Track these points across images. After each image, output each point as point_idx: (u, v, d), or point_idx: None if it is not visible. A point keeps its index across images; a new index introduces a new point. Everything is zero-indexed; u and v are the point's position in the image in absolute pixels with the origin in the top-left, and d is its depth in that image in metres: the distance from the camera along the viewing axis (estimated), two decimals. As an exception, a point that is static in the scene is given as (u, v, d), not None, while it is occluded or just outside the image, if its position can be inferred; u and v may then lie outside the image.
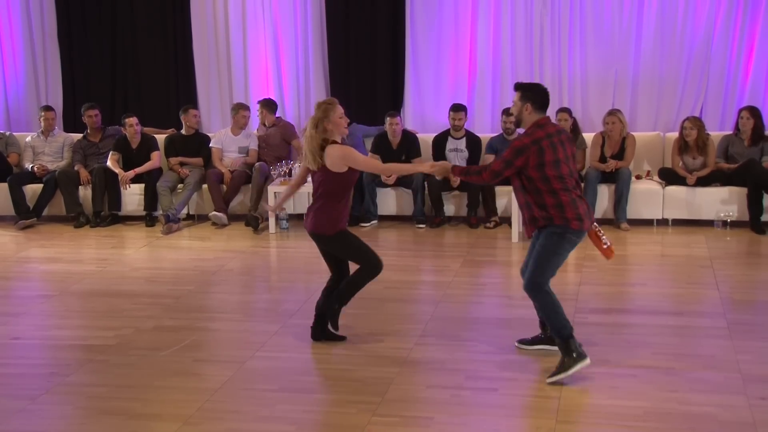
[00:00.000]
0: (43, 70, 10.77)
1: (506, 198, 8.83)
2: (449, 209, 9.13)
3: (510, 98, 9.70)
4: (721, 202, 8.61)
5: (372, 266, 5.33)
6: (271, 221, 8.91)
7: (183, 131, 9.70)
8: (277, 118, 9.68)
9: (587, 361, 4.78)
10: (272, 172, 9.10)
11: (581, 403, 4.57)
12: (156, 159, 9.53)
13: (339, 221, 5.31)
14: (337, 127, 5.26)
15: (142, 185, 9.35)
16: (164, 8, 10.42)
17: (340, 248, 5.40)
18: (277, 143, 9.51)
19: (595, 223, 5.20)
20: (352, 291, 5.43)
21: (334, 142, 5.24)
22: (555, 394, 4.63)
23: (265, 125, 9.61)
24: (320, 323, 5.52)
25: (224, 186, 9.26)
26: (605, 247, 5.20)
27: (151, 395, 4.78)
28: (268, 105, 9.59)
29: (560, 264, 5.00)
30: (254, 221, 8.94)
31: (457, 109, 9.14)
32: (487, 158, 9.12)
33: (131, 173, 9.33)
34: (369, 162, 5.97)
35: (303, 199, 9.43)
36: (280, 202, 6.30)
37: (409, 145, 9.25)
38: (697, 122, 8.78)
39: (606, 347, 5.31)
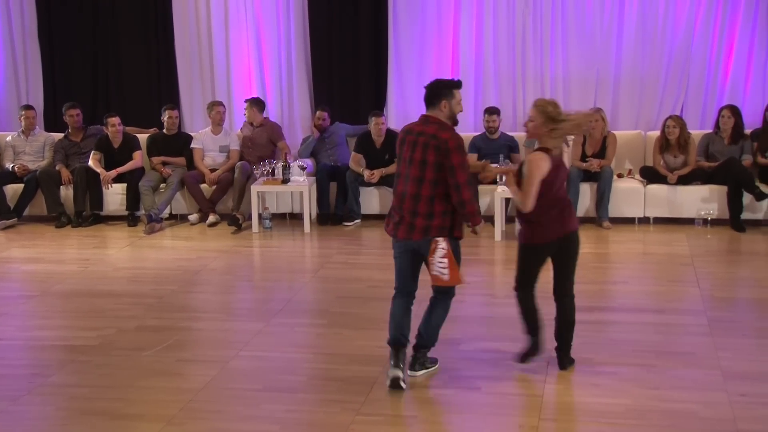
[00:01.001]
0: (23, 69, 10.69)
1: (488, 197, 8.85)
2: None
3: (493, 97, 9.78)
4: (702, 200, 8.67)
5: None
6: (255, 221, 8.90)
7: (165, 131, 9.66)
8: (265, 118, 9.67)
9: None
10: (255, 172, 9.09)
11: (564, 400, 4.59)
12: (138, 159, 9.49)
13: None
14: None
15: (124, 185, 9.30)
16: (146, 7, 10.36)
17: None
18: (264, 143, 9.49)
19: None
20: None
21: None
22: (538, 392, 4.65)
23: (252, 124, 9.58)
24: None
25: (205, 185, 9.25)
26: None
27: (133, 395, 4.76)
28: (257, 103, 9.57)
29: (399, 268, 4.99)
30: (235, 221, 8.92)
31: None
32: (470, 157, 9.12)
33: (113, 173, 9.29)
34: None
35: (286, 198, 9.43)
36: None
37: (392, 145, 9.25)
38: (679, 121, 8.83)
39: (588, 345, 5.34)
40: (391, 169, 9.16)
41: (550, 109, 4.81)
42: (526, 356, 5.04)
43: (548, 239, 4.86)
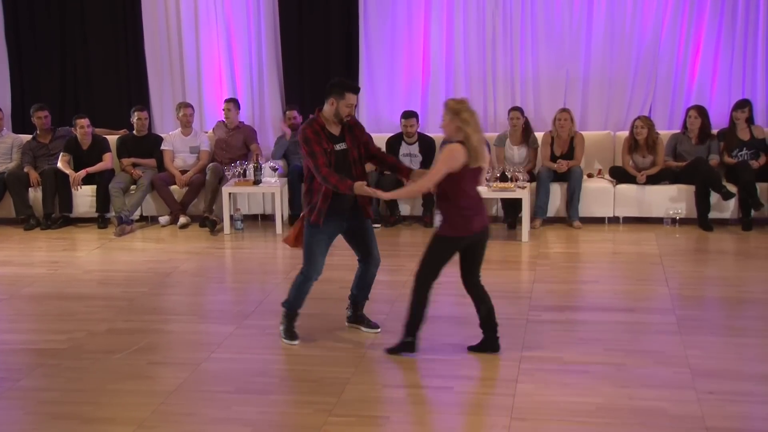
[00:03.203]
0: (-10, 69, 10.59)
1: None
2: (404, 209, 9.17)
3: (466, 97, 9.80)
4: (670, 199, 8.77)
5: None
6: (226, 222, 8.87)
7: (135, 132, 9.60)
8: (240, 121, 9.64)
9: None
10: (227, 173, 9.06)
11: (535, 400, 4.63)
12: (108, 160, 9.42)
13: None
14: None
15: (94, 186, 9.23)
16: (115, 7, 10.29)
17: None
18: (239, 146, 9.47)
19: None
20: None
21: None
22: (509, 392, 4.68)
23: (227, 126, 9.54)
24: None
25: (176, 187, 9.21)
26: None
27: (104, 399, 4.73)
28: (236, 104, 9.56)
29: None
30: (212, 224, 8.88)
31: (408, 116, 9.16)
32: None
33: (82, 173, 9.21)
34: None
35: (258, 199, 9.41)
36: None
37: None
38: (647, 121, 8.92)
39: (559, 344, 5.39)
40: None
41: (452, 104, 5.02)
42: (397, 350, 5.21)
43: (471, 231, 5.01)
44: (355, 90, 5.32)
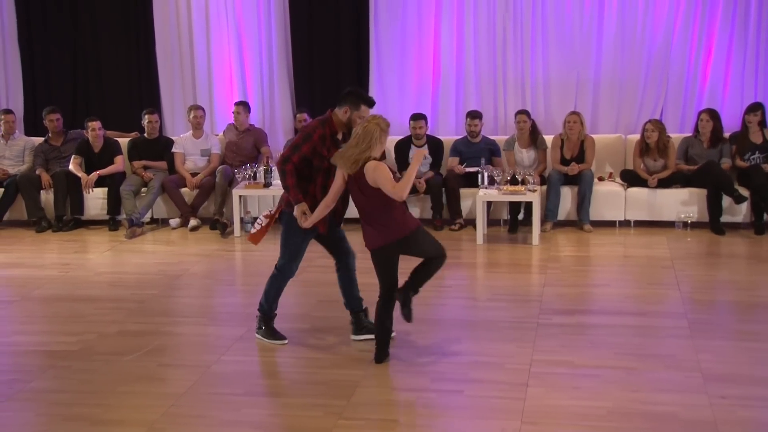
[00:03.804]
0: (3, 73, 10.63)
1: (470, 200, 8.88)
2: (414, 212, 9.15)
3: (474, 101, 9.80)
4: (682, 203, 8.73)
5: None
6: (236, 225, 8.88)
7: (146, 135, 9.62)
8: (251, 124, 9.66)
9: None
10: (237, 176, 9.07)
11: (545, 404, 4.61)
12: (120, 163, 9.45)
13: None
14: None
15: (105, 189, 9.26)
16: (127, 10, 10.33)
17: None
18: (249, 148, 9.48)
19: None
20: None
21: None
22: (520, 396, 4.67)
23: (237, 129, 9.56)
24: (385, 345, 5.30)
25: (187, 190, 9.23)
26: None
27: (114, 401, 4.74)
28: (246, 107, 9.58)
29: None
30: (222, 226, 8.89)
31: (417, 118, 9.16)
32: (451, 161, 9.17)
33: (94, 176, 9.24)
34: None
35: (268, 202, 9.41)
36: None
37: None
38: (658, 125, 8.89)
39: (569, 348, 5.37)
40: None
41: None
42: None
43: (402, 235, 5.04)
44: (371, 104, 5.34)
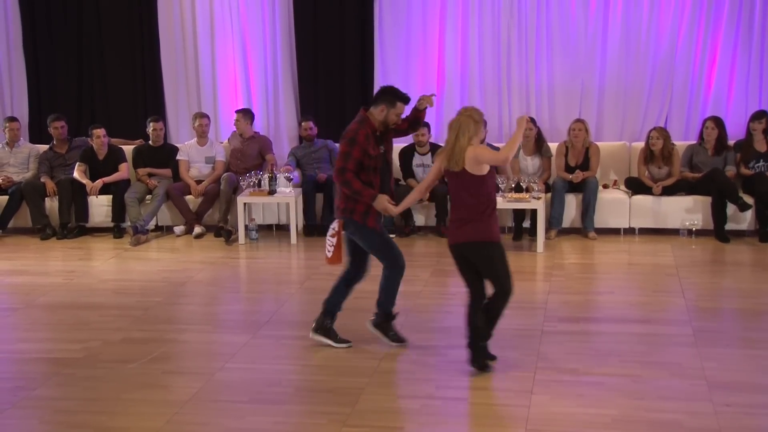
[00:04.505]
0: (8, 80, 10.65)
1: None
2: (418, 219, 9.16)
3: (478, 107, 9.77)
4: (686, 211, 8.72)
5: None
6: (241, 232, 8.88)
7: (151, 142, 9.64)
8: (255, 132, 9.67)
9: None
10: (241, 183, 9.08)
11: (550, 411, 4.60)
12: (124, 170, 9.47)
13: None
14: None
15: (110, 196, 9.27)
16: (131, 18, 10.35)
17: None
18: (254, 156, 9.50)
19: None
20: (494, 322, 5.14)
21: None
22: (524, 403, 4.66)
23: (241, 136, 9.57)
24: (478, 347, 5.14)
25: (191, 197, 9.25)
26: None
27: (119, 408, 4.74)
28: (248, 114, 9.58)
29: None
30: (226, 234, 8.90)
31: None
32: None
33: (99, 183, 9.26)
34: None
35: (273, 209, 9.43)
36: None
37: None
38: (663, 132, 8.89)
39: (574, 355, 5.36)
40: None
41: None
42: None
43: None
44: (406, 100, 5.41)
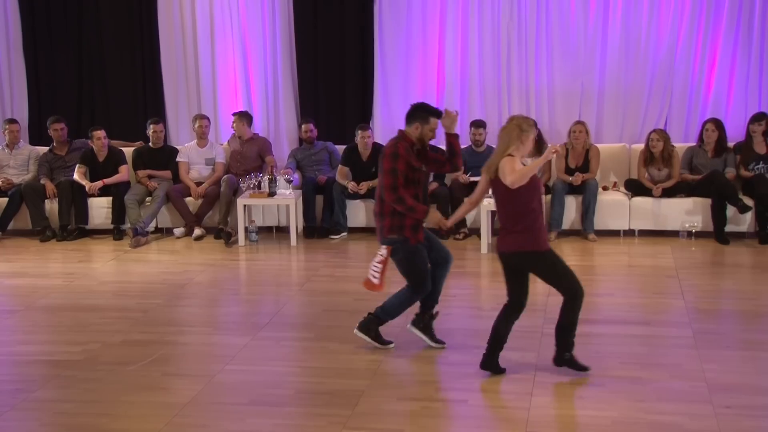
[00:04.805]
0: (8, 82, 10.66)
1: (475, 210, 8.84)
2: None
3: (478, 110, 9.82)
4: (686, 212, 8.72)
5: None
6: (241, 234, 8.88)
7: (151, 144, 9.65)
8: (255, 133, 9.67)
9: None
10: (241, 185, 9.08)
11: (550, 413, 4.60)
12: (124, 172, 9.47)
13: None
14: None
15: (110, 198, 9.27)
16: (131, 20, 10.36)
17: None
18: (254, 158, 9.50)
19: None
20: (573, 330, 5.04)
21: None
22: (524, 405, 4.66)
23: (240, 138, 9.58)
24: (494, 352, 5.11)
25: (191, 199, 9.25)
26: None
27: (119, 410, 4.73)
28: (245, 117, 9.58)
29: None
30: (226, 236, 8.90)
31: None
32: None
33: (99, 184, 9.26)
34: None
35: (273, 211, 9.43)
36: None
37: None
38: (663, 134, 8.90)
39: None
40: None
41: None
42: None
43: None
44: (438, 114, 5.42)
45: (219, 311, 6.89)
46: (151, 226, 9.31)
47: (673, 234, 8.80)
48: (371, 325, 5.56)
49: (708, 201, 8.59)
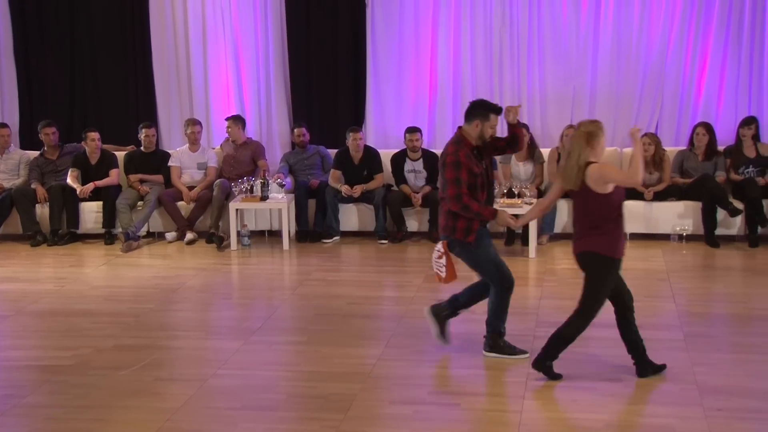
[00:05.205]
0: (-2, 87, 10.64)
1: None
2: (411, 225, 9.17)
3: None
4: (677, 216, 8.76)
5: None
6: (233, 238, 8.87)
7: (143, 148, 9.63)
8: (248, 138, 9.67)
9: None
10: (234, 189, 9.07)
11: (542, 416, 4.61)
12: (114, 176, 9.45)
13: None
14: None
15: (101, 203, 9.25)
16: (123, 24, 10.34)
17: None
18: (247, 162, 9.50)
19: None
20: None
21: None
22: (517, 408, 4.67)
23: (234, 142, 9.57)
24: (642, 357, 5.09)
25: (183, 203, 9.24)
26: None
27: (110, 415, 4.72)
28: (239, 121, 9.58)
29: None
30: (218, 240, 8.89)
31: (412, 131, 9.17)
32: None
33: (90, 186, 9.24)
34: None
35: (265, 215, 9.42)
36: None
37: (371, 161, 9.29)
38: (654, 138, 8.93)
39: (566, 361, 5.35)
40: (372, 185, 9.18)
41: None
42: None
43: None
44: (498, 111, 5.33)
45: (211, 315, 6.88)
46: (143, 231, 9.29)
47: (665, 237, 8.82)
48: (495, 342, 5.42)
49: (699, 204, 8.62)
